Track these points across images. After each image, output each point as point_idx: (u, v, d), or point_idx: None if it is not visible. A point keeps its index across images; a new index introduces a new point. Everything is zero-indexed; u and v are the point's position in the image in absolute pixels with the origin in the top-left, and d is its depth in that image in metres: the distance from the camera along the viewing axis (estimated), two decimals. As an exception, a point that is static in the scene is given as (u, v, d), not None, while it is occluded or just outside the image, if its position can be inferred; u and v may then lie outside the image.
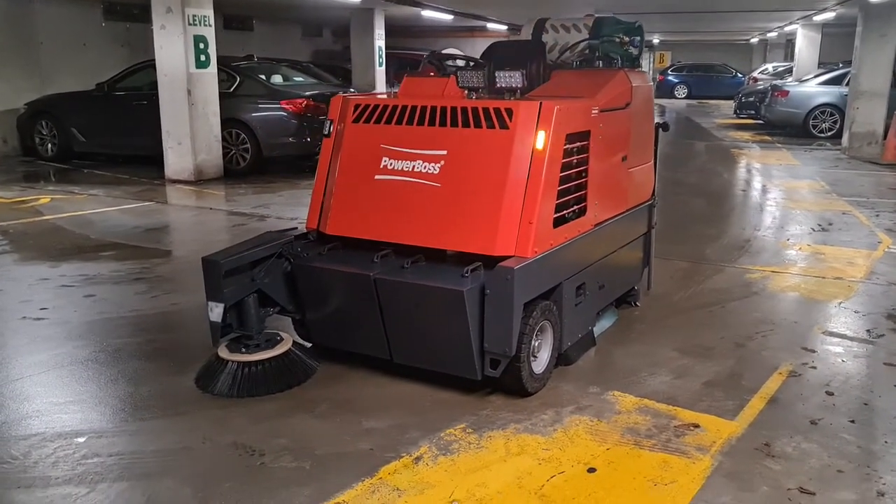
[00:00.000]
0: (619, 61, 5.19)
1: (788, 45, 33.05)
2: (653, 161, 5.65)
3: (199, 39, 11.17)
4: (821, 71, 19.60)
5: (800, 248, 7.54)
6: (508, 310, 3.84)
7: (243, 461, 3.50)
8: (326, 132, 4.70)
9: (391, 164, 4.39)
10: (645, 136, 5.43)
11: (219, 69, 11.64)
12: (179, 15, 10.92)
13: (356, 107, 4.61)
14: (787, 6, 16.22)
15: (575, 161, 4.48)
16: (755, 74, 27.52)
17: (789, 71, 24.71)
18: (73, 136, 13.13)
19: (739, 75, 33.42)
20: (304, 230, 4.69)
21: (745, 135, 18.65)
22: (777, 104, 18.25)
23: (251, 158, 11.85)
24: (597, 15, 5.74)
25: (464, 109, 4.26)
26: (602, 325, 5.18)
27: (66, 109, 13.16)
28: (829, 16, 16.68)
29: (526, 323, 3.98)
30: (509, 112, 4.13)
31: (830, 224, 8.62)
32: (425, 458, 3.50)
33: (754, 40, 36.55)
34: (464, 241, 4.14)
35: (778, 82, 20.61)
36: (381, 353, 4.32)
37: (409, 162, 4.34)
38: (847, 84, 16.49)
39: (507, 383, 4.11)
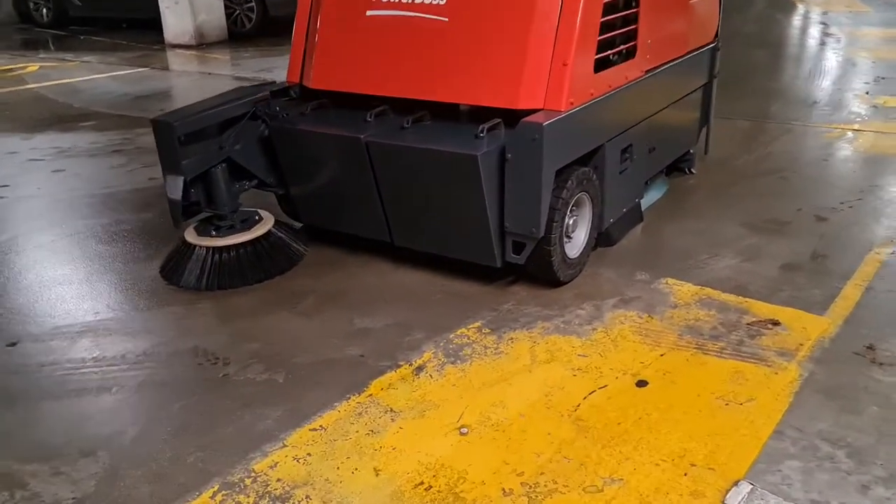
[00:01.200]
0: None
1: None
2: (718, -9, 4.57)
3: None
4: None
5: (884, 103, 6.43)
6: (536, 179, 2.99)
7: (202, 372, 2.82)
8: (307, -40, 3.71)
9: (386, -5, 3.43)
10: (711, -43, 4.32)
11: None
12: None
13: (343, -77, 3.59)
14: None
15: (623, -15, 3.48)
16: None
17: None
18: (68, 1, 12.09)
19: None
20: (285, 85, 3.80)
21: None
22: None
23: (257, 19, 10.77)
24: None
25: (477, -84, 3.24)
26: (651, 197, 4.31)
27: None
28: None
29: (558, 196, 3.14)
30: (537, -85, 3.11)
31: (917, 74, 7.41)
32: (428, 368, 2.77)
33: None
34: (478, 91, 3.23)
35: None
36: (380, 234, 3.54)
37: (408, -9, 3.38)
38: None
39: (535, 270, 3.32)
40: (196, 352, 2.94)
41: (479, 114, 3.25)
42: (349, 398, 2.60)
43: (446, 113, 3.40)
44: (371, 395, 2.63)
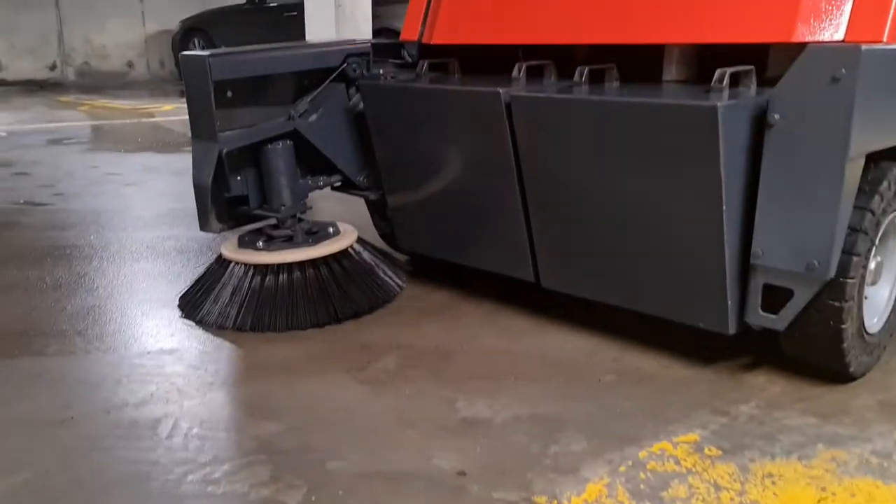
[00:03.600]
0: None
1: None
2: None
3: (349, -71, 9.38)
4: None
5: None
6: (832, 162, 1.52)
7: (152, 473, 1.49)
8: None
9: None
10: None
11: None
12: None
13: None
14: None
15: None
16: None
17: None
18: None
19: None
20: (396, 42, 2.57)
21: None
22: None
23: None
24: None
25: None
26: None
27: (217, 25, 12.07)
28: None
29: (864, 207, 1.64)
30: None
31: None
32: (595, 521, 1.30)
33: None
34: (716, 21, 1.84)
35: None
36: (519, 270, 2.14)
37: None
38: None
39: (800, 349, 1.79)
40: (157, 424, 1.63)
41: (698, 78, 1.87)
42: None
43: (643, 75, 2.04)
44: (467, 568, 1.18)
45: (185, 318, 2.25)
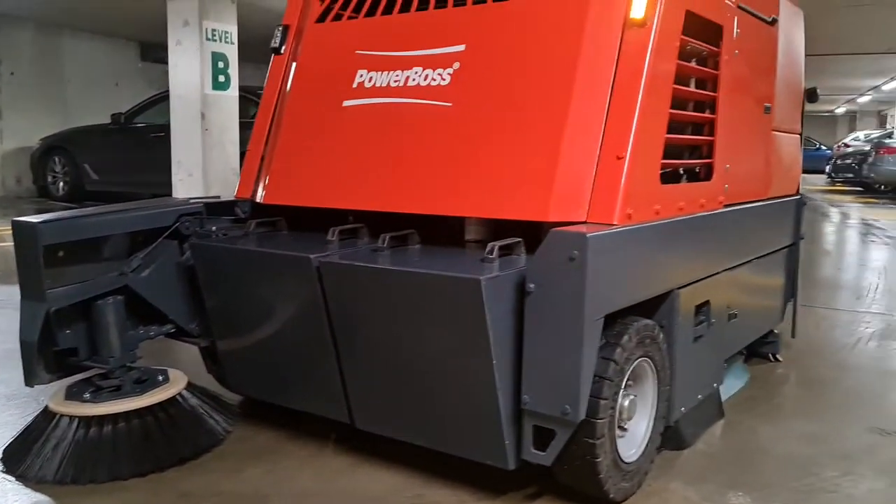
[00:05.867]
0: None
1: (879, 116, 30.62)
2: (800, 135, 3.65)
3: (217, 57, 9.74)
4: (932, 127, 17.21)
5: None
6: (573, 325, 1.85)
7: None
8: (277, 44, 2.87)
9: (371, 79, 2.53)
10: (793, 86, 3.44)
11: (243, 95, 10.20)
12: (196, 28, 9.55)
13: (324, -4, 2.78)
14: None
15: (695, 78, 2.54)
16: (846, 141, 25.12)
17: (887, 136, 22.27)
18: (85, 174, 11.82)
19: (823, 147, 31.02)
20: (231, 199, 2.81)
21: (847, 198, 16.23)
22: (883, 163, 15.93)
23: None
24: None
25: (496, -30, 2.39)
26: (730, 386, 3.09)
27: (79, 144, 11.92)
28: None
29: (608, 357, 1.98)
30: (579, -41, 2.24)
31: None
32: None
33: (840, 110, 34.04)
34: (491, 200, 2.19)
35: (884, 140, 18.25)
36: (335, 412, 2.34)
37: (399, 72, 2.47)
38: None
39: (568, 478, 2.07)
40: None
41: (493, 237, 2.20)
42: None
43: (447, 234, 2.36)
44: None
45: (5, 472, 2.28)
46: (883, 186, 16.34)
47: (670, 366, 2.31)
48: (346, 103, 2.56)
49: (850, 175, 18.80)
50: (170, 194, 10.23)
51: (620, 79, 2.11)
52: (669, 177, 2.34)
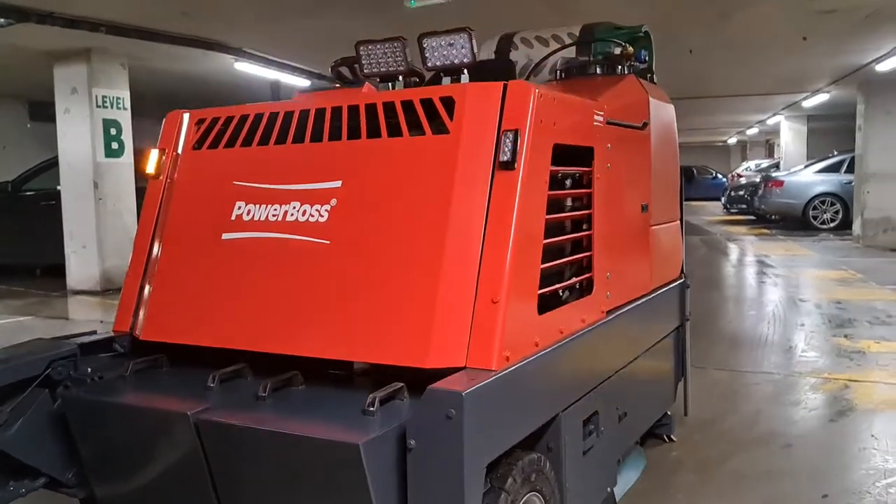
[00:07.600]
0: (624, 67, 3.41)
1: (767, 145, 32.42)
2: (680, 220, 3.81)
3: (109, 124, 9.47)
4: (814, 160, 18.33)
5: (868, 347, 5.60)
6: (453, 480, 1.85)
7: None
8: (153, 169, 2.80)
9: (249, 211, 2.50)
10: (669, 177, 3.60)
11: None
12: (86, 96, 9.26)
13: (199, 122, 2.75)
14: (777, 89, 14.99)
15: (569, 200, 2.62)
16: (739, 171, 26.47)
17: (775, 166, 23.61)
18: (-28, 252, 11.18)
19: (720, 176, 32.60)
20: (109, 335, 2.71)
21: (742, 229, 17.08)
22: (772, 195, 16.83)
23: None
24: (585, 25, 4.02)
25: (370, 107, 2.41)
26: (626, 480, 3.16)
27: (-40, 213, 11.30)
28: (821, 99, 15.40)
29: (493, 503, 1.99)
30: (449, 103, 2.29)
31: (889, 316, 6.74)
32: None
33: (732, 140, 35.92)
34: (370, 344, 2.18)
35: (771, 173, 19.33)
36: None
37: (277, 206, 2.45)
38: (846, 171, 15.29)
39: None
40: None
41: (374, 376, 2.19)
42: None
43: (329, 374, 2.33)
44: None
45: None
46: (774, 216, 17.24)
47: (559, 489, 2.34)
48: (226, 236, 2.51)
49: (744, 206, 19.80)
50: (64, 266, 9.80)
51: (492, 220, 2.15)
52: (549, 302, 2.40)
